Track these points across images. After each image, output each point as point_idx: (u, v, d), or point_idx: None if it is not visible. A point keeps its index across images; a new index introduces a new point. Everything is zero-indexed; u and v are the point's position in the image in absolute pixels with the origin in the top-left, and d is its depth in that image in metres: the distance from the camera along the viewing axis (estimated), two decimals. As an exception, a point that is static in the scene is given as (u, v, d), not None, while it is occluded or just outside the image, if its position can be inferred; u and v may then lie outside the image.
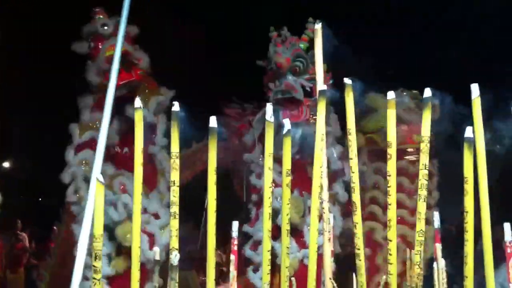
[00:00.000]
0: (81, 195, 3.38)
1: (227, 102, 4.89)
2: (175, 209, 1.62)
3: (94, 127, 3.44)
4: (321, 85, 2.01)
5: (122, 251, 3.27)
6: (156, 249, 1.61)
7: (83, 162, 3.43)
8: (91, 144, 3.43)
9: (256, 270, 3.73)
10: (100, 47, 3.52)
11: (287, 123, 1.79)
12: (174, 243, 1.59)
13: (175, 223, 1.62)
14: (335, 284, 1.78)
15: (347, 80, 1.91)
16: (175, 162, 1.63)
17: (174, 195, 1.63)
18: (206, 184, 1.63)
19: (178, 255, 1.51)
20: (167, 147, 3.55)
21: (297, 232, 3.72)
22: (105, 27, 3.51)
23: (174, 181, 1.64)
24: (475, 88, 1.79)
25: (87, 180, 3.38)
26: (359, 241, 1.72)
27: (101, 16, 3.54)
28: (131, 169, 3.46)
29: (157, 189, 3.51)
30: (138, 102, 1.66)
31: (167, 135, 3.59)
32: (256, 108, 4.88)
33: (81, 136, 3.46)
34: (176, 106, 1.68)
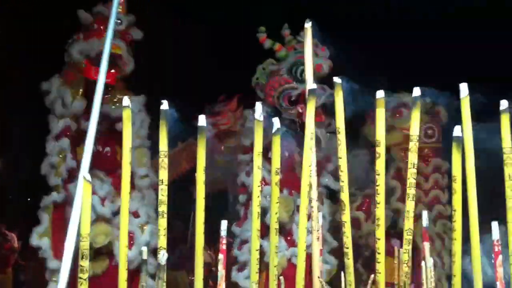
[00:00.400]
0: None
1: (209, 106, 4.86)
2: (163, 208, 1.62)
3: (68, 115, 3.41)
4: (310, 84, 2.01)
5: (93, 253, 3.23)
6: (144, 248, 1.60)
7: (60, 151, 3.40)
8: (67, 132, 3.41)
9: (241, 269, 3.73)
10: (102, 32, 3.46)
11: (276, 122, 1.79)
12: (162, 242, 1.59)
13: (163, 222, 1.61)
14: (324, 283, 1.78)
15: (336, 79, 1.91)
16: (164, 161, 1.63)
17: (163, 194, 1.62)
18: (192, 183, 1.62)
19: (166, 255, 1.51)
20: (139, 148, 3.51)
21: (285, 231, 3.73)
22: (119, 21, 3.47)
23: (162, 180, 1.63)
24: (464, 88, 1.80)
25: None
26: (347, 240, 1.72)
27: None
28: (103, 168, 3.49)
29: (137, 188, 3.47)
30: (126, 101, 1.65)
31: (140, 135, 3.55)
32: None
33: (58, 124, 3.42)
34: (165, 105, 1.68)
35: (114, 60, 3.31)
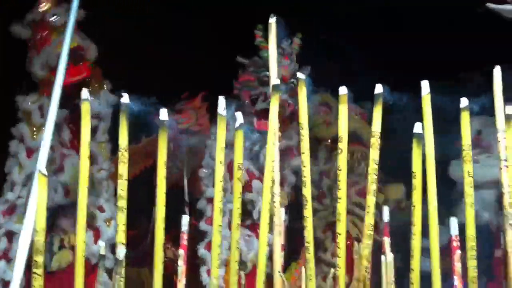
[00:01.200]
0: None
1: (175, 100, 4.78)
2: (122, 203, 1.60)
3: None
4: (274, 80, 2.01)
5: (65, 245, 3.20)
6: (102, 243, 1.58)
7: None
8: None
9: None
10: (48, 37, 3.37)
11: (239, 117, 1.79)
12: (121, 237, 1.57)
13: (122, 218, 1.60)
14: (284, 278, 1.79)
15: (300, 75, 1.92)
16: (123, 155, 1.61)
17: (122, 188, 1.60)
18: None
19: (125, 250, 1.49)
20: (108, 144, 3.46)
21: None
22: (55, 17, 3.35)
23: (122, 175, 1.61)
24: (425, 85, 1.82)
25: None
26: (309, 234, 1.73)
27: (48, 4, 3.35)
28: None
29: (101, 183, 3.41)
30: (85, 94, 1.63)
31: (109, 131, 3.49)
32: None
33: (35, 138, 3.32)
34: (125, 98, 1.66)
35: (74, 53, 3.23)
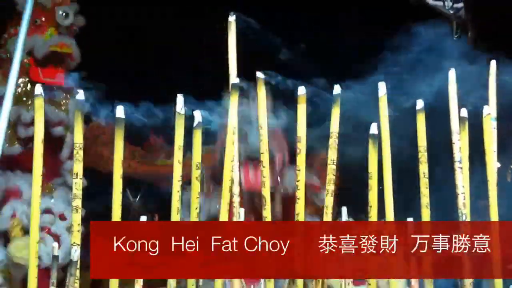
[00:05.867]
0: None
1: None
2: (77, 202, 1.55)
3: None
4: (234, 79, 2.00)
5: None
6: (55, 244, 1.53)
7: None
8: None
9: None
10: (47, 26, 3.23)
11: (197, 115, 1.77)
12: (76, 238, 1.52)
13: (77, 217, 1.55)
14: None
15: (259, 74, 1.91)
16: (79, 154, 1.56)
17: (77, 188, 1.56)
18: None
19: (79, 251, 1.45)
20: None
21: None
22: (63, 14, 3.22)
23: (77, 174, 1.57)
24: (382, 86, 1.84)
25: None
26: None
27: None
28: (26, 169, 3.30)
29: (63, 189, 3.30)
30: (39, 89, 1.57)
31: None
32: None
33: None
34: (80, 95, 1.61)
35: (62, 59, 3.14)
